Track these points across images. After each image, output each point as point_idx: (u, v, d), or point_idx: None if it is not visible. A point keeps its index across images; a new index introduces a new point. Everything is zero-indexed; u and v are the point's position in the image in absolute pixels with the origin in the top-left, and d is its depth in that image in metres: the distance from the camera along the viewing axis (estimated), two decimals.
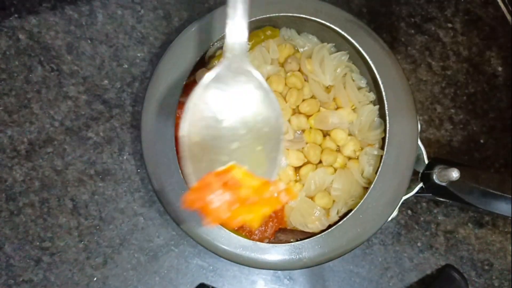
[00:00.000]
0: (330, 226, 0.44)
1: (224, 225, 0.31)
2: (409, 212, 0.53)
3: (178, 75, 0.42)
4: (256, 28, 0.47)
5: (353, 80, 0.47)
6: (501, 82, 0.56)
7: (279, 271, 0.51)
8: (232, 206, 0.28)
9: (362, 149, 0.46)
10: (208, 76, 0.30)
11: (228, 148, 0.31)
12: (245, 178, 0.29)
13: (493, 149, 0.54)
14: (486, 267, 0.53)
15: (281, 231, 0.46)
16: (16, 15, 0.51)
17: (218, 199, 0.28)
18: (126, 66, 0.52)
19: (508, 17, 0.57)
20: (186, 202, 0.29)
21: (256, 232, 0.44)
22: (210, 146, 0.31)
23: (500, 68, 0.56)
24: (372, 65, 0.44)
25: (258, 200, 0.29)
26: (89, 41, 0.52)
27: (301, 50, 0.48)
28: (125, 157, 0.51)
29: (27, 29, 0.51)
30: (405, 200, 0.44)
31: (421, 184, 0.45)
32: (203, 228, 0.41)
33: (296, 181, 0.46)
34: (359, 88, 0.47)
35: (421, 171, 0.46)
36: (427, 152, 0.46)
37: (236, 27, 0.30)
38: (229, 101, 0.31)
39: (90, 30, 0.52)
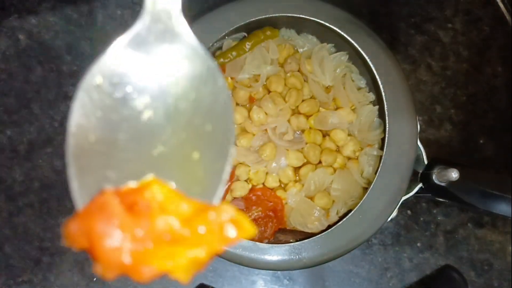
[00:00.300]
0: (329, 227, 0.43)
1: (129, 275, 0.18)
2: (409, 212, 0.53)
3: None
4: (255, 28, 0.46)
5: (353, 81, 0.47)
6: (501, 83, 0.56)
7: (279, 271, 0.51)
8: (140, 246, 0.18)
9: (361, 149, 0.46)
10: (119, 42, 0.20)
11: (147, 155, 0.20)
12: (169, 201, 0.19)
13: (493, 149, 0.54)
14: (486, 267, 0.53)
15: (280, 231, 0.46)
16: (15, 15, 0.51)
17: (115, 234, 0.18)
18: None
19: (508, 17, 0.57)
20: (66, 235, 0.19)
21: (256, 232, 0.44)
22: (118, 150, 0.20)
23: (500, 69, 0.56)
24: (371, 66, 0.44)
25: (189, 237, 0.19)
26: (88, 41, 0.52)
27: (300, 50, 0.48)
28: None
29: (26, 29, 0.51)
30: (404, 200, 0.44)
31: (420, 185, 0.45)
32: None
33: (295, 181, 0.46)
34: (359, 89, 0.47)
35: (420, 171, 0.46)
36: (427, 153, 0.46)
37: None
38: (151, 81, 0.20)
39: (90, 30, 0.52)
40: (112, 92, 0.20)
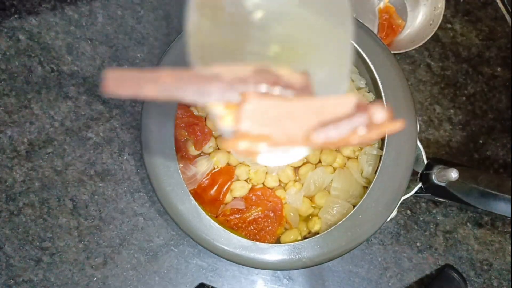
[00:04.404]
0: (329, 226, 0.43)
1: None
2: (408, 212, 0.53)
3: None
4: None
5: (353, 81, 0.47)
6: (500, 83, 0.56)
7: (279, 271, 0.51)
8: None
9: (361, 149, 0.46)
10: None
11: (262, 55, 0.20)
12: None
13: (492, 149, 0.54)
14: (485, 267, 0.53)
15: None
16: (16, 16, 0.51)
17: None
18: (126, 66, 0.52)
19: (507, 18, 0.57)
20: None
21: (255, 232, 0.44)
22: (234, 50, 0.20)
23: (499, 69, 0.56)
24: (371, 66, 0.43)
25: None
26: (89, 42, 0.52)
27: None
28: (125, 158, 0.51)
29: (27, 30, 0.51)
30: (404, 200, 0.44)
31: (420, 184, 0.45)
32: (203, 228, 0.41)
33: (295, 181, 0.46)
34: (359, 89, 0.47)
35: (420, 171, 0.46)
36: (426, 153, 0.46)
37: None
38: None
39: (90, 31, 0.52)
40: None
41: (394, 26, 0.54)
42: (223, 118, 0.18)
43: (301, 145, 0.18)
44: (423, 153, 0.46)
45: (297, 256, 0.42)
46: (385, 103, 0.43)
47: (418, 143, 0.44)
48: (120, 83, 0.17)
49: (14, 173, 0.50)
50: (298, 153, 0.18)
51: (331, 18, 0.20)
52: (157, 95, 0.17)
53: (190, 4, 0.19)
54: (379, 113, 0.18)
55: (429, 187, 0.45)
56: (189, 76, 0.18)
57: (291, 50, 0.20)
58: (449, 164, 0.44)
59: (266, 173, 0.46)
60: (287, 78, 0.18)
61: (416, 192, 0.45)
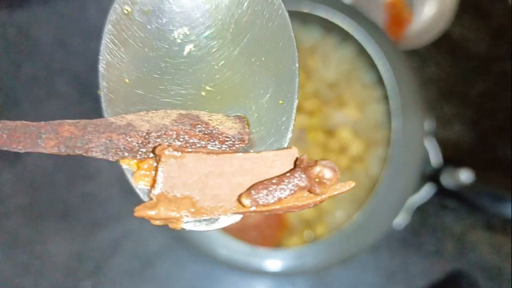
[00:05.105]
0: (334, 230, 0.42)
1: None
2: (416, 215, 0.52)
3: None
4: None
5: (358, 78, 0.46)
6: (511, 80, 0.55)
7: (280, 277, 0.49)
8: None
9: (367, 148, 0.45)
10: None
11: (194, 96, 0.18)
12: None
13: (503, 149, 0.53)
14: (496, 272, 0.51)
15: (282, 234, 0.44)
16: (5, 10, 0.50)
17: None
18: None
19: None
20: None
21: (256, 236, 0.43)
22: (159, 92, 0.18)
23: (509, 66, 0.55)
24: (377, 63, 0.42)
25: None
26: (81, 37, 0.51)
27: (304, 46, 0.47)
28: None
29: (16, 24, 0.50)
30: (412, 203, 0.43)
31: (429, 186, 0.44)
32: (200, 232, 0.40)
33: None
34: (365, 86, 0.46)
35: (429, 172, 0.45)
36: (436, 153, 0.45)
37: None
38: (188, 8, 0.17)
39: (83, 25, 0.51)
40: (144, 23, 0.17)
41: (401, 22, 0.53)
42: (136, 178, 0.16)
43: (232, 211, 0.16)
44: (432, 153, 0.45)
45: (299, 262, 0.41)
46: (392, 100, 0.42)
47: (427, 143, 0.43)
48: (14, 136, 0.16)
49: (4, 174, 0.48)
50: (229, 219, 0.17)
51: (272, 53, 0.17)
52: (57, 151, 0.16)
53: (104, 37, 0.17)
54: (325, 172, 0.16)
55: (439, 190, 0.44)
56: (95, 128, 0.16)
57: (225, 90, 0.17)
58: (460, 165, 0.43)
59: None
60: (217, 126, 0.16)
61: (424, 194, 0.44)
